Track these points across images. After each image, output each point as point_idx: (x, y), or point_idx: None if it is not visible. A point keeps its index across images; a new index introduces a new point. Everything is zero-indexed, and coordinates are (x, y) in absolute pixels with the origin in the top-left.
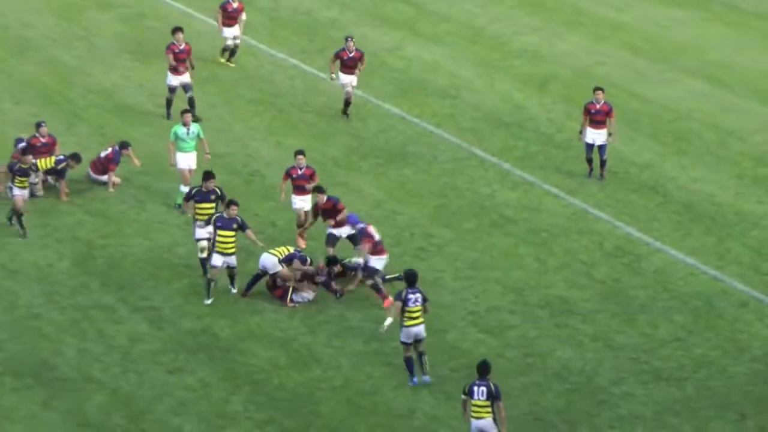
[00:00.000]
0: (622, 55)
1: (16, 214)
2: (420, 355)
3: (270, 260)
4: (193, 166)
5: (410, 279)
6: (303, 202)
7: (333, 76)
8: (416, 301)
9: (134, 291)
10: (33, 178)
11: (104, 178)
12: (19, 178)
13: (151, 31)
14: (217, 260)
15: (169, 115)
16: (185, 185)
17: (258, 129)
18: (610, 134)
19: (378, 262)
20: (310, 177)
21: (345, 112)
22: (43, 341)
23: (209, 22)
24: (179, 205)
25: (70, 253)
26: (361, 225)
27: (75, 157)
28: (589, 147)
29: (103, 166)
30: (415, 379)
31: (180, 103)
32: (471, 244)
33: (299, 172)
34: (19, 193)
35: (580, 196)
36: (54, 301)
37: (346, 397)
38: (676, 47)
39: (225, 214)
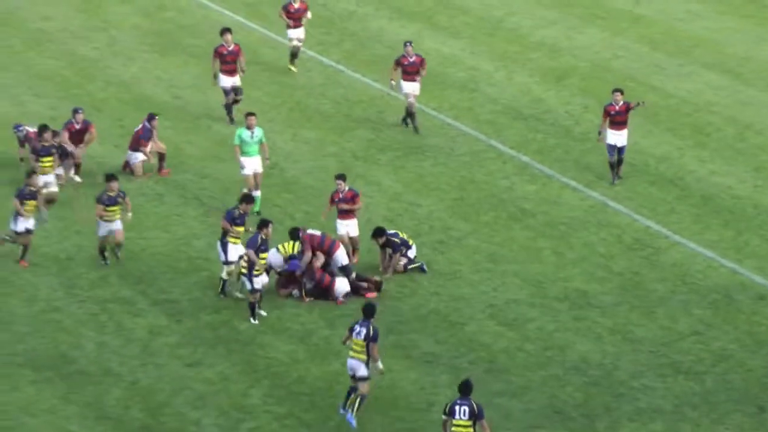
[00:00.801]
0: (640, 48)
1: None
2: (353, 391)
3: (276, 259)
4: (259, 170)
5: (366, 312)
6: (347, 227)
7: (393, 83)
8: (359, 334)
9: (153, 284)
10: (57, 170)
11: (139, 155)
12: (43, 159)
13: (171, 23)
14: (258, 283)
15: (231, 120)
16: (248, 189)
17: (276, 121)
18: (638, 104)
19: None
20: (352, 199)
21: (405, 121)
22: (63, 334)
23: (228, 15)
24: (259, 212)
25: (90, 246)
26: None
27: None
28: (611, 149)
29: (136, 142)
30: (342, 410)
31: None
32: (489, 237)
33: (341, 196)
34: (40, 182)
35: (599, 189)
36: (73, 294)
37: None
38: (694, 40)
39: (264, 235)
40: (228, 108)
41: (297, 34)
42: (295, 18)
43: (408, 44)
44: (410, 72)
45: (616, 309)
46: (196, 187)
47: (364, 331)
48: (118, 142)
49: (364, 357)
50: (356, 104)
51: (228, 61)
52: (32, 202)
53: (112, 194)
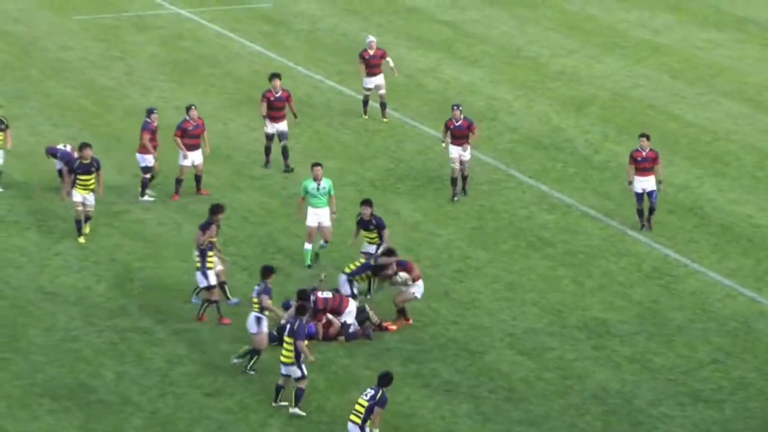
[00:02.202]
0: (659, 77)
1: (76, 221)
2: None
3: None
4: (326, 223)
5: (382, 380)
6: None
7: (443, 145)
8: (366, 395)
9: (172, 313)
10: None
11: (149, 159)
12: (81, 178)
13: (188, 52)
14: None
15: (267, 163)
16: (308, 242)
17: (295, 150)
18: (659, 182)
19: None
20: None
21: (454, 194)
22: (82, 363)
23: (244, 43)
24: (309, 266)
25: (108, 275)
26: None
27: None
28: (639, 197)
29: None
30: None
31: (292, 154)
32: (508, 266)
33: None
34: (79, 199)
35: (618, 218)
36: (92, 324)
37: (384, 419)
38: (713, 69)
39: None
40: (267, 151)
41: (373, 81)
42: (372, 65)
43: (456, 108)
44: (458, 136)
45: (635, 337)
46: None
47: (371, 393)
48: (136, 172)
49: (358, 421)
50: (375, 133)
51: (275, 107)
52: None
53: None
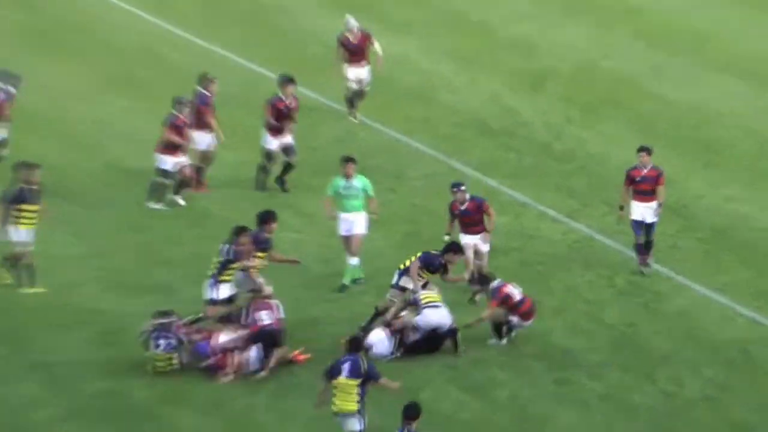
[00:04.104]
0: (634, 46)
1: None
2: None
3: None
4: (360, 232)
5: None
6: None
7: (446, 237)
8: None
9: (27, 343)
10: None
11: (172, 161)
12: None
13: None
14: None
15: (263, 186)
16: (350, 254)
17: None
18: (659, 205)
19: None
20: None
21: (472, 298)
22: None
23: (126, 9)
24: (344, 287)
25: None
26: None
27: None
28: (638, 227)
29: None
30: None
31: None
32: None
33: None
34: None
35: (585, 220)
36: None
37: None
38: (699, 36)
39: None
40: (263, 171)
41: (356, 73)
42: (354, 52)
43: (458, 188)
44: (468, 223)
45: (607, 370)
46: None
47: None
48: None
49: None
50: None
51: (284, 118)
52: None
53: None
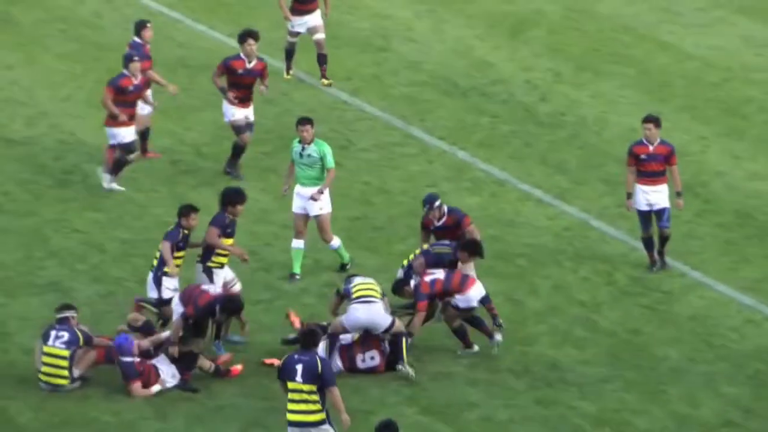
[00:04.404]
0: None
1: None
2: None
3: None
4: (314, 212)
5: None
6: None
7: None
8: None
9: None
10: None
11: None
12: None
13: None
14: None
15: (235, 171)
16: (297, 238)
17: (75, 99)
18: (678, 194)
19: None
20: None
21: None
22: None
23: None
24: (294, 274)
25: None
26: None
27: None
28: (645, 218)
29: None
30: None
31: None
32: None
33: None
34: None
35: (578, 202)
36: None
37: None
38: None
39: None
40: (238, 150)
41: (307, 21)
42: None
43: (431, 206)
44: (441, 237)
45: (605, 387)
46: None
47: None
48: None
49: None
50: (199, 71)
51: (244, 85)
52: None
53: None
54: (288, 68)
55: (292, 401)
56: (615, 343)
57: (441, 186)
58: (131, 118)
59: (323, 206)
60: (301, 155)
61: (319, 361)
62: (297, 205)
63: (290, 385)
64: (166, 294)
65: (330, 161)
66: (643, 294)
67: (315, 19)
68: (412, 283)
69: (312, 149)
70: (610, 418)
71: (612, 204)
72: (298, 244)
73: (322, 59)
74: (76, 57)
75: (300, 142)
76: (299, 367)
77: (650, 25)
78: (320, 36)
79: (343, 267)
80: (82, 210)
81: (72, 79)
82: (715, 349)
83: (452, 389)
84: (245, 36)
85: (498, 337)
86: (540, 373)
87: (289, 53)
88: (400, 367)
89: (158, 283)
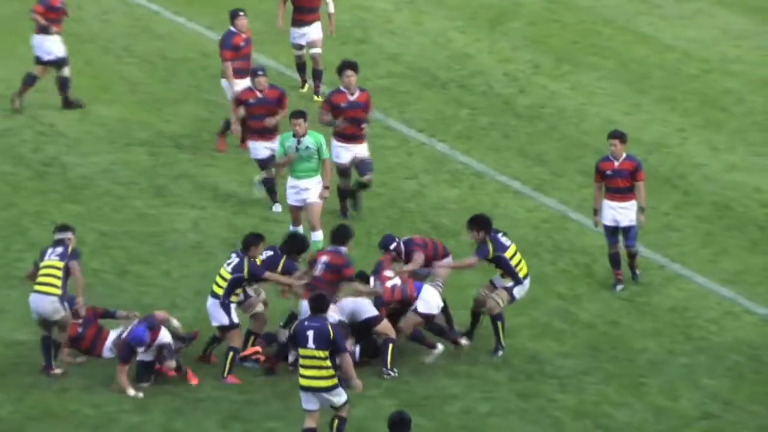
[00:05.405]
0: None
1: None
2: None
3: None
4: (312, 199)
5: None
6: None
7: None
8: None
9: None
10: None
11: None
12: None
13: None
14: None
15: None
16: (312, 230)
17: (44, 89)
18: (641, 209)
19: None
20: None
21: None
22: None
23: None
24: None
25: None
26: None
27: None
28: (611, 234)
29: None
30: None
31: None
32: None
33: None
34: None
35: (557, 194)
36: None
37: None
38: None
39: None
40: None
41: (307, 34)
42: (301, 8)
43: (386, 250)
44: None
45: (584, 379)
46: None
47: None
48: None
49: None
50: (178, 63)
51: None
52: None
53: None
54: (303, 82)
55: (304, 367)
56: (594, 336)
57: (420, 178)
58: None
59: (319, 196)
60: (297, 148)
61: (330, 327)
62: (293, 198)
63: (302, 351)
64: (236, 318)
65: (325, 151)
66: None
67: (315, 32)
68: (372, 282)
69: (308, 141)
70: (589, 410)
71: (590, 196)
72: (316, 235)
73: (317, 75)
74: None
75: (294, 136)
76: (310, 333)
77: (629, 16)
78: (317, 51)
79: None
80: (60, 202)
81: (50, 71)
82: (694, 341)
83: (432, 382)
84: (344, 68)
85: (464, 341)
86: (520, 365)
87: (300, 67)
88: (385, 374)
89: (227, 310)
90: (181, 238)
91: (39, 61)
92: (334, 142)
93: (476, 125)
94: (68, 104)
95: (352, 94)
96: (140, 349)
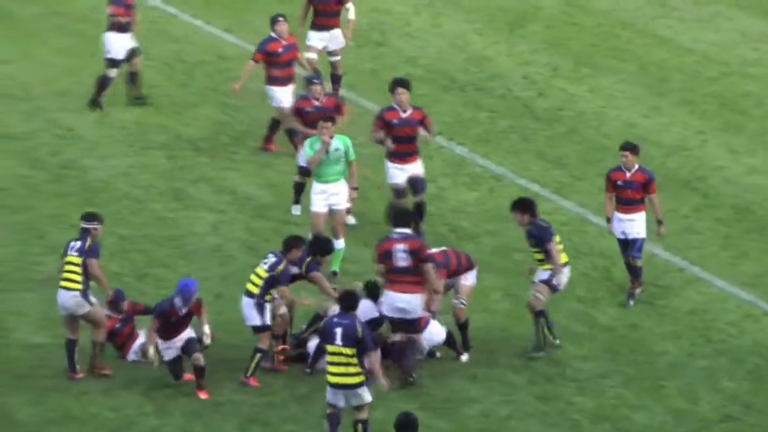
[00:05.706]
0: None
1: None
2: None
3: None
4: (339, 206)
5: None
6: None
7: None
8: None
9: None
10: None
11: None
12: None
13: None
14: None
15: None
16: (334, 237)
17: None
18: (660, 222)
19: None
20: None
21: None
22: None
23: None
24: (334, 273)
25: None
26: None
27: None
28: (623, 245)
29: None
30: None
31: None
32: None
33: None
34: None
35: (576, 197)
36: None
37: None
38: None
39: None
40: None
41: (325, 38)
42: (324, 12)
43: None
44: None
45: (603, 383)
46: None
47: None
48: None
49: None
50: (196, 66)
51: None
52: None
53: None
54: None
55: (332, 364)
56: (613, 339)
57: (439, 181)
58: None
59: (347, 201)
60: (327, 151)
61: (358, 325)
62: (321, 203)
63: (330, 348)
64: (268, 319)
65: (353, 153)
66: (641, 289)
67: (335, 41)
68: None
69: (337, 143)
70: (609, 413)
71: None
72: (338, 244)
73: (335, 79)
74: (73, 51)
75: (322, 141)
76: (338, 331)
77: (648, 19)
78: (336, 58)
79: (334, 274)
80: (79, 205)
81: (69, 74)
82: (714, 344)
83: (451, 385)
84: (395, 85)
85: (464, 357)
86: (539, 368)
87: (316, 71)
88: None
89: (261, 310)
90: (200, 242)
91: (113, 62)
92: (389, 164)
93: (495, 128)
94: (96, 104)
95: (404, 111)
96: (178, 305)
